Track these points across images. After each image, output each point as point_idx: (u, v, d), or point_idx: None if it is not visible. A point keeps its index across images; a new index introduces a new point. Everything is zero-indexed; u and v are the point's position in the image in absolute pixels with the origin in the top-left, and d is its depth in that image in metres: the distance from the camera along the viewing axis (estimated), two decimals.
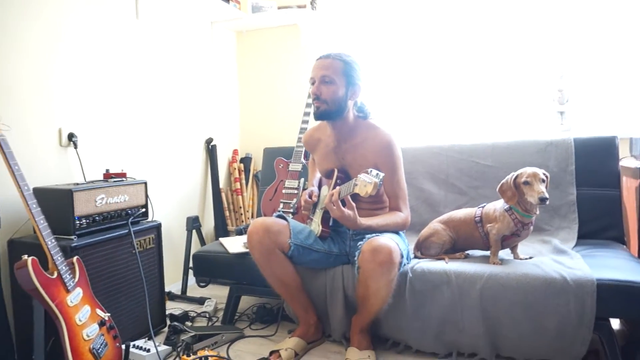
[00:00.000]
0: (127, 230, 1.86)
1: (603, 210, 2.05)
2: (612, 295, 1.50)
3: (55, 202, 1.68)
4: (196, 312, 2.25)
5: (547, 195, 1.58)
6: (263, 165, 2.78)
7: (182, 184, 2.75)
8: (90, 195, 1.75)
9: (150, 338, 1.79)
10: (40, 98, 1.89)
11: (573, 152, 2.13)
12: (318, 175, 2.12)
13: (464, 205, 2.26)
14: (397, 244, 1.56)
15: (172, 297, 2.49)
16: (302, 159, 2.59)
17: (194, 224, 2.58)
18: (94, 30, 2.12)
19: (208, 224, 3.01)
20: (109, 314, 1.59)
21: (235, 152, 3.23)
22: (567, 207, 2.08)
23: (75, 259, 1.53)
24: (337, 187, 1.60)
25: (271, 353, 1.77)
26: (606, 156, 2.10)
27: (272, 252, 1.71)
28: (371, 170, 1.45)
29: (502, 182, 1.75)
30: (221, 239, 2.21)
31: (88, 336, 1.42)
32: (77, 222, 1.70)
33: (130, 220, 1.91)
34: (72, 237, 1.67)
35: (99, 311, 1.55)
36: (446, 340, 1.74)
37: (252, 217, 3.10)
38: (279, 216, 1.86)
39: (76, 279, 1.48)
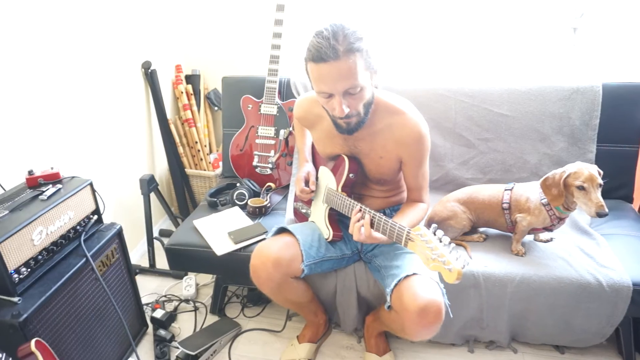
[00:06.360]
0: (83, 259, 1.42)
1: (617, 168, 1.89)
2: None
3: None
4: (178, 299, 1.98)
5: (607, 210, 1.37)
6: (224, 101, 2.23)
7: (125, 136, 2.16)
8: (24, 237, 1.25)
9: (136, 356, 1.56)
10: None
11: (600, 102, 1.86)
12: (309, 141, 1.72)
13: (472, 160, 2.01)
14: (440, 287, 1.31)
15: (142, 271, 2.17)
16: (277, 99, 2.08)
17: (149, 186, 2.11)
18: None
19: (161, 166, 2.52)
20: None
21: (178, 68, 2.55)
22: None
23: (33, 344, 1.14)
24: (365, 213, 1.24)
25: None
26: (633, 107, 1.86)
27: (284, 283, 1.42)
28: (437, 231, 1.08)
29: (547, 175, 1.49)
30: (195, 223, 1.82)
31: None
32: (15, 276, 1.24)
33: (82, 239, 1.46)
34: (15, 299, 1.24)
35: None
36: (466, 334, 1.68)
37: (210, 152, 2.63)
38: (281, 229, 1.51)
39: None
